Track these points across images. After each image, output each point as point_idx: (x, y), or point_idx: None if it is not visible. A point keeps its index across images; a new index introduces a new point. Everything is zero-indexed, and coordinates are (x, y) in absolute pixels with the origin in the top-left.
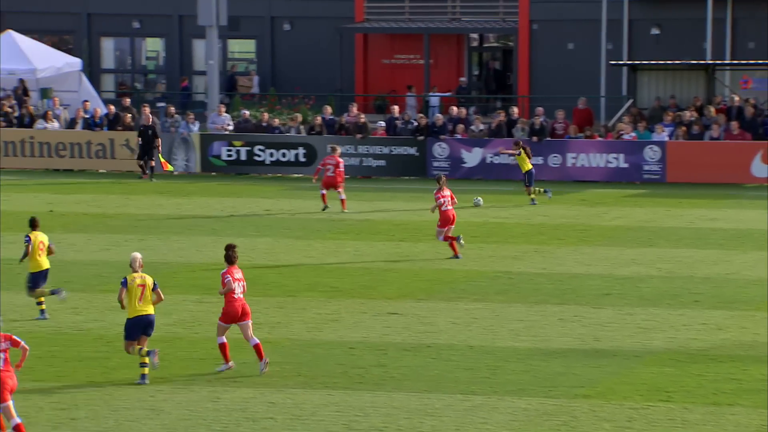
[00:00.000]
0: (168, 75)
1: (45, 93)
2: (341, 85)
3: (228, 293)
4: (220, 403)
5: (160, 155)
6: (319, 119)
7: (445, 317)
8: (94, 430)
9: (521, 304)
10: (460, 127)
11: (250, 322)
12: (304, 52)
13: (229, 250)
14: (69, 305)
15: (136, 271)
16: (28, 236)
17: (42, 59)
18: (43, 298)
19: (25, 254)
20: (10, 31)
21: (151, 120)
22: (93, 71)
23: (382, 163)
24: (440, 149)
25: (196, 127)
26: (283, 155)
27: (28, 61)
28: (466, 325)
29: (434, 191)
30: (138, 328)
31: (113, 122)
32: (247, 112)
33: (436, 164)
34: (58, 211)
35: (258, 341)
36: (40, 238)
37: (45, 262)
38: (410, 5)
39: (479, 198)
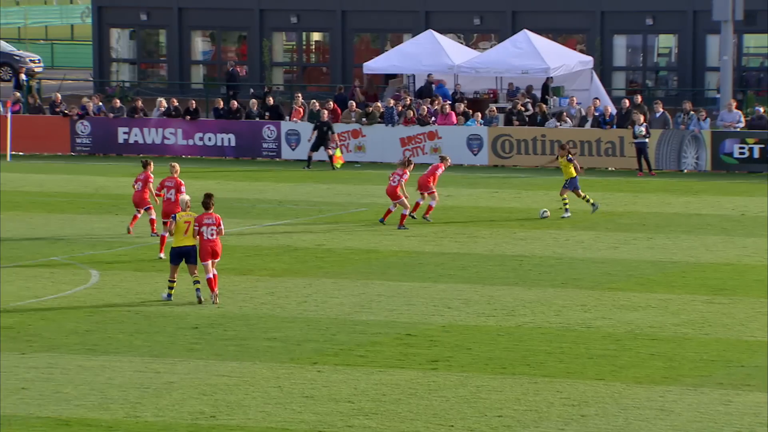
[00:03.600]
0: (679, 72)
1: (557, 91)
2: None
3: (199, 236)
4: (732, 406)
5: (338, 149)
6: None
7: None
8: (604, 427)
9: None
10: None
11: (211, 262)
12: None
13: (206, 197)
14: (577, 302)
15: (184, 211)
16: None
17: (555, 58)
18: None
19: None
20: (525, 31)
21: (326, 116)
22: (604, 69)
23: None
24: None
25: (707, 125)
26: None
27: (542, 60)
28: None
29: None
30: (179, 255)
31: (623, 119)
32: (761, 109)
33: None
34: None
35: (212, 276)
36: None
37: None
38: None
39: (545, 210)
